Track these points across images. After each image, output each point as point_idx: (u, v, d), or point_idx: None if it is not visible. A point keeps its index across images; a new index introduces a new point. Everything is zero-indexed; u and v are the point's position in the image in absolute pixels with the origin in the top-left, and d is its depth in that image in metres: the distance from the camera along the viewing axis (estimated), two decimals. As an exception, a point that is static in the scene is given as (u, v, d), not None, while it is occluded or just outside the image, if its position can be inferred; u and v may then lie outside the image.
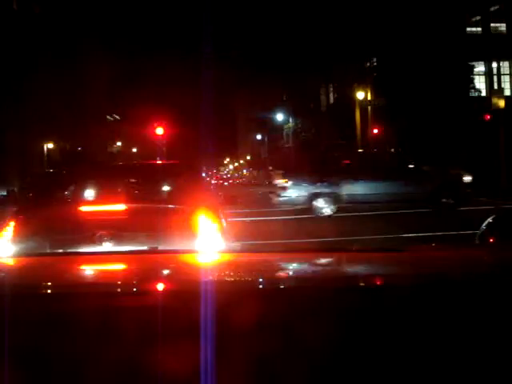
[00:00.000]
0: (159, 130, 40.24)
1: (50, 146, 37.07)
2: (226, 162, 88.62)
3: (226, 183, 54.02)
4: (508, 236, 4.69)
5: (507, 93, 31.36)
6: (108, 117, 48.42)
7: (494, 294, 1.20)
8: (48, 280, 1.39)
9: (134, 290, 1.23)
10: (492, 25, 34.10)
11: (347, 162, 17.12)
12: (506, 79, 34.16)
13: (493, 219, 5.07)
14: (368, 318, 1.13)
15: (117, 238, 4.90)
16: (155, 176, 6.36)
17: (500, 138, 26.51)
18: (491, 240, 4.79)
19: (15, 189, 26.31)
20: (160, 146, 42.08)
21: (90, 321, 1.10)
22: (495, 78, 33.72)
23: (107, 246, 4.85)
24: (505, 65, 34.32)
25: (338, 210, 15.73)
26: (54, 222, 5.04)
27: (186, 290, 1.19)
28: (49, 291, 1.28)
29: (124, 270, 1.70)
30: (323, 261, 1.73)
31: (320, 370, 1.08)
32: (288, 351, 1.08)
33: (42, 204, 5.64)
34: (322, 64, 37.22)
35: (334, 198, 15.75)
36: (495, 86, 32.52)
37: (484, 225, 5.07)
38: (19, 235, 4.98)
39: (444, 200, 15.37)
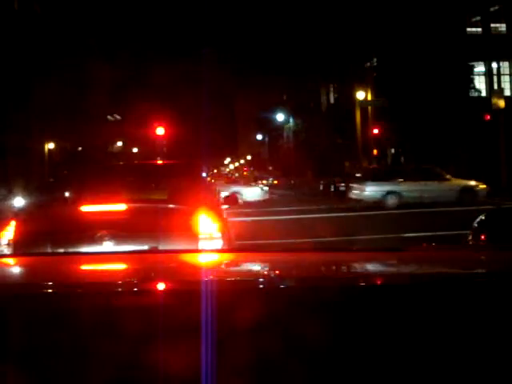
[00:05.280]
0: (160, 130, 40.25)
1: (51, 146, 37.07)
2: (226, 162, 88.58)
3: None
4: (498, 233, 4.71)
5: (507, 93, 31.34)
6: (109, 117, 48.35)
7: (494, 293, 1.20)
8: (49, 280, 1.39)
9: (135, 289, 1.24)
10: (492, 25, 34.08)
11: None
12: (505, 79, 34.14)
13: (484, 216, 5.09)
14: (368, 318, 1.13)
15: (117, 237, 4.90)
16: (156, 176, 6.36)
17: (500, 138, 26.51)
18: (482, 237, 4.81)
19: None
20: (161, 146, 42.10)
21: (91, 320, 1.11)
22: (495, 78, 33.71)
23: (108, 246, 4.85)
24: (505, 65, 34.30)
25: None
26: (55, 222, 5.04)
27: (187, 290, 1.19)
28: (49, 291, 1.29)
29: (124, 270, 1.71)
30: (323, 261, 1.73)
31: (320, 369, 1.08)
32: (288, 351, 1.08)
33: (43, 204, 5.65)
34: (322, 64, 37.23)
35: None
36: (495, 86, 32.51)
37: (476, 222, 5.09)
38: (20, 235, 4.98)
39: None
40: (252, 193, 24.84)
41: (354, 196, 21.75)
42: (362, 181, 21.63)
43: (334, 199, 24.26)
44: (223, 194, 20.24)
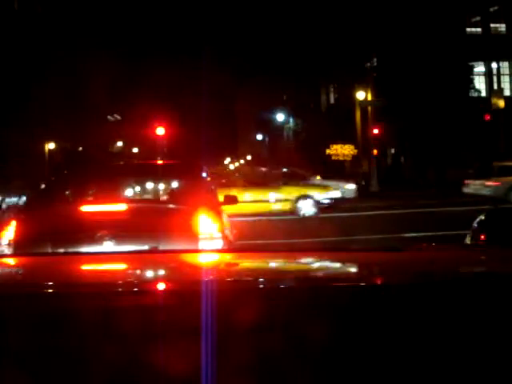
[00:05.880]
0: (160, 130, 40.25)
1: (52, 146, 37.07)
2: (226, 162, 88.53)
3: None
4: (498, 233, 4.70)
5: (507, 93, 31.36)
6: (109, 117, 48.36)
7: (494, 293, 1.20)
8: (49, 280, 1.39)
9: (135, 289, 1.24)
10: (492, 25, 34.09)
11: None
12: (505, 79, 34.16)
13: (484, 216, 5.08)
14: (368, 318, 1.13)
15: (118, 237, 4.90)
16: (156, 176, 6.36)
17: (500, 138, 26.52)
18: (482, 236, 4.80)
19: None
20: (161, 146, 42.10)
21: (91, 320, 1.11)
22: (495, 78, 33.73)
23: (108, 246, 4.85)
24: (504, 65, 34.31)
25: None
26: (56, 222, 5.04)
27: (187, 290, 1.19)
28: (50, 291, 1.29)
29: (125, 270, 1.71)
30: (323, 261, 1.73)
31: (320, 369, 1.08)
32: (288, 350, 1.08)
33: (43, 204, 5.65)
34: (322, 64, 37.21)
35: None
36: (495, 87, 32.53)
37: (475, 222, 5.08)
38: (20, 235, 4.98)
39: None
40: (350, 190, 23.79)
41: (470, 191, 21.65)
42: (482, 176, 21.55)
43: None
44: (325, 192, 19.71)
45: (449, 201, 20.55)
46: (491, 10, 33.86)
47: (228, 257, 1.98)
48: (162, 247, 4.72)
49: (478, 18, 34.17)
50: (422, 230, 12.41)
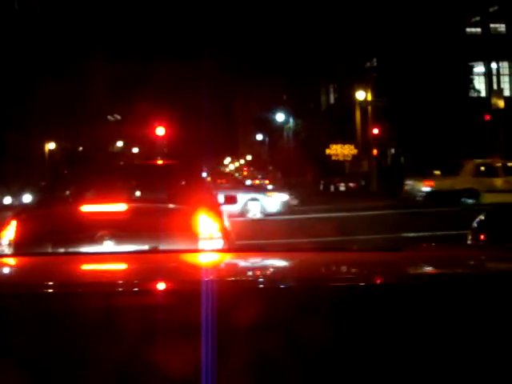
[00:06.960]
0: (160, 130, 40.33)
1: (52, 146, 37.08)
2: (226, 162, 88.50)
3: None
4: (498, 233, 4.71)
5: (507, 93, 31.35)
6: (109, 117, 48.37)
7: (494, 293, 1.20)
8: (49, 279, 1.39)
9: (135, 289, 1.24)
10: (491, 25, 34.10)
11: None
12: (505, 79, 34.17)
13: (484, 216, 5.09)
14: (367, 318, 1.13)
15: (118, 237, 4.90)
16: (156, 176, 6.36)
17: (500, 138, 26.50)
18: (482, 236, 4.80)
19: None
20: (161, 146, 42.18)
21: (91, 320, 1.11)
22: (495, 78, 33.74)
23: (108, 246, 4.85)
24: (504, 65, 34.32)
25: None
26: (56, 222, 5.04)
27: (187, 290, 1.19)
28: (50, 291, 1.29)
29: (125, 270, 1.71)
30: (323, 261, 1.73)
31: (320, 369, 1.08)
32: (288, 350, 1.08)
33: (43, 204, 5.65)
34: (322, 64, 37.25)
35: None
36: (495, 87, 32.53)
37: (475, 222, 5.08)
38: (21, 234, 4.98)
39: None
40: None
41: None
42: None
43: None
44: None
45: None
46: (491, 10, 33.86)
47: (228, 257, 1.98)
48: (162, 247, 4.72)
49: (477, 18, 34.17)
50: (421, 230, 12.40)
